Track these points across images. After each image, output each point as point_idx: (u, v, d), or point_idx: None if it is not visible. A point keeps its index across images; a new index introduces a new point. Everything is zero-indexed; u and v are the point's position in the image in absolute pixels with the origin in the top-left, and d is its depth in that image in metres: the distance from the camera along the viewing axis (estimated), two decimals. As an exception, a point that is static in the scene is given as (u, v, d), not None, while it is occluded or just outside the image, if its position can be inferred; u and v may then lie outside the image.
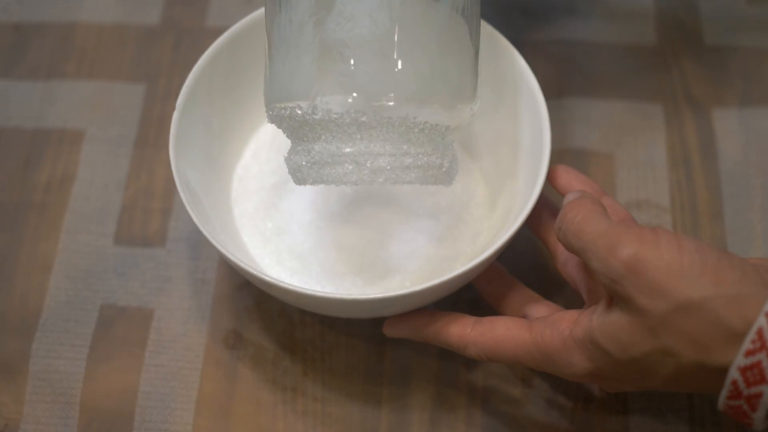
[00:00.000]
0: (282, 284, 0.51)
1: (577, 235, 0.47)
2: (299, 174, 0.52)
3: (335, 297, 0.51)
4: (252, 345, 0.59)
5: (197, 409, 0.57)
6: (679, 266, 0.43)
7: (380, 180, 0.51)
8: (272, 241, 0.59)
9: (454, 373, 0.58)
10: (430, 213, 0.59)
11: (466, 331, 0.52)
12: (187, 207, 0.53)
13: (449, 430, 0.56)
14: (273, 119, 0.51)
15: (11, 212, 0.63)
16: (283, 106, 0.50)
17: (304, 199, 0.60)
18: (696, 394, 0.56)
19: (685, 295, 0.43)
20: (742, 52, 0.68)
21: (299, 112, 0.50)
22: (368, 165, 0.51)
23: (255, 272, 0.51)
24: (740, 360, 0.42)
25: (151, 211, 0.63)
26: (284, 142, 0.55)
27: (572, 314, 0.49)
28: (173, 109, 0.56)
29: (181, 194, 0.53)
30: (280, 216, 0.60)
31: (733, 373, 0.42)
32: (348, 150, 0.51)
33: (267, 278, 0.51)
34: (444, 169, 0.52)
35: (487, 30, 0.57)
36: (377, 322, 0.57)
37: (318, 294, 0.51)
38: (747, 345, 0.42)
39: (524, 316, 0.54)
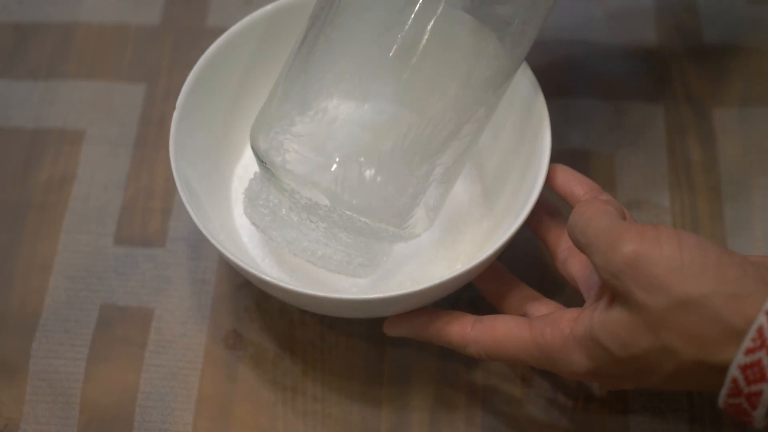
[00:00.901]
0: (282, 284, 0.51)
1: (583, 231, 0.47)
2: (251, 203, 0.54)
3: (335, 297, 0.51)
4: (252, 345, 0.59)
5: (197, 409, 0.57)
6: (680, 263, 0.43)
7: (308, 259, 0.54)
8: (272, 241, 0.59)
9: (454, 372, 0.58)
10: (430, 213, 0.59)
11: (466, 330, 0.52)
12: (187, 207, 0.53)
13: (449, 430, 0.56)
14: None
15: (11, 212, 0.63)
16: (254, 136, 0.53)
17: (304, 199, 0.60)
18: (696, 393, 0.56)
19: (684, 291, 0.43)
20: (742, 52, 0.68)
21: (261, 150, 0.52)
22: (305, 241, 0.53)
23: (255, 272, 0.51)
24: (740, 358, 0.42)
25: (151, 211, 0.63)
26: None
27: (573, 312, 0.49)
28: (173, 109, 0.56)
29: (181, 194, 0.53)
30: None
31: (734, 372, 0.42)
32: (294, 217, 0.53)
33: (267, 278, 0.51)
34: (357, 265, 0.54)
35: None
36: (377, 322, 0.57)
37: (318, 294, 0.51)
38: (747, 343, 0.42)
39: (524, 315, 0.54)
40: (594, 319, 0.46)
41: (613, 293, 0.46)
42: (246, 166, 0.62)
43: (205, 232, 0.52)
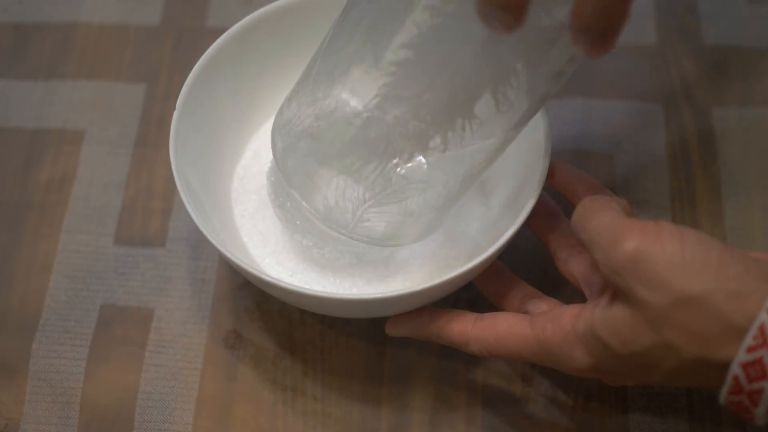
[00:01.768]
0: (282, 284, 0.51)
1: (585, 227, 0.47)
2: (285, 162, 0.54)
3: (335, 297, 0.51)
4: (252, 345, 0.59)
5: (197, 409, 0.57)
6: (681, 259, 0.43)
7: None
8: (272, 241, 0.59)
9: (454, 372, 0.58)
10: (430, 213, 0.59)
11: (467, 328, 0.52)
12: (187, 207, 0.53)
13: (449, 430, 0.56)
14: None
15: (11, 212, 0.63)
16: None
17: (304, 199, 0.60)
18: (696, 392, 0.56)
19: (686, 288, 0.43)
20: (742, 52, 0.68)
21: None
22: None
23: (255, 272, 0.51)
24: (742, 356, 0.42)
25: (151, 211, 0.63)
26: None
27: (574, 309, 0.49)
28: (173, 109, 0.56)
29: (181, 194, 0.53)
30: (280, 215, 0.60)
31: (735, 369, 0.42)
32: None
33: (267, 278, 0.51)
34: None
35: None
36: (377, 322, 0.57)
37: (318, 294, 0.51)
38: (749, 341, 0.42)
39: (525, 313, 0.54)
40: (595, 315, 0.46)
41: (615, 290, 0.46)
42: (246, 166, 0.62)
43: (205, 232, 0.52)
